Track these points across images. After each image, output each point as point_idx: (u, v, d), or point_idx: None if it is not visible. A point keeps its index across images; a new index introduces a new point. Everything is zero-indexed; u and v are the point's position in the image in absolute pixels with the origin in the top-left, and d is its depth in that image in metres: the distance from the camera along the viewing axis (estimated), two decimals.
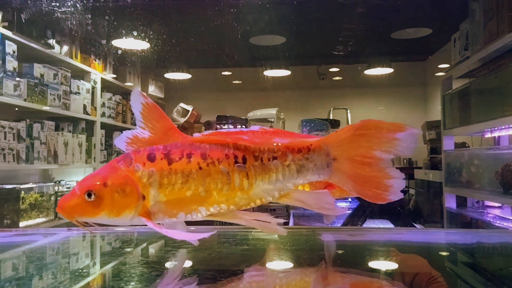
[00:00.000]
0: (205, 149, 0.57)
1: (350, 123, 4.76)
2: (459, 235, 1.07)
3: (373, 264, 0.75)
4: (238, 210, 0.59)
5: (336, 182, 0.60)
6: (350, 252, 0.86)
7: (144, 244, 0.90)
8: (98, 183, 0.55)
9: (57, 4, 2.55)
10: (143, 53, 3.98)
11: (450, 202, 3.04)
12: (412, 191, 3.94)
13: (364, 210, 1.60)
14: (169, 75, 4.81)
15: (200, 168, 0.56)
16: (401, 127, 0.56)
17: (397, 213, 1.85)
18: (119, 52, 3.99)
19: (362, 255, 0.83)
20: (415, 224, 1.97)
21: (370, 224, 1.68)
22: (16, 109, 2.85)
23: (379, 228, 1.46)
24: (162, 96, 5.28)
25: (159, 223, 0.58)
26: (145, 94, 0.61)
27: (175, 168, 0.56)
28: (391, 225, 1.71)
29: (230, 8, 3.02)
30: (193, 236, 0.58)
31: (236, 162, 0.57)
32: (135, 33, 3.49)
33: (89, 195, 0.55)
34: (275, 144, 0.59)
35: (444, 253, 0.90)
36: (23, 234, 1.05)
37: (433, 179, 3.52)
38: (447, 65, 3.85)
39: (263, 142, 0.58)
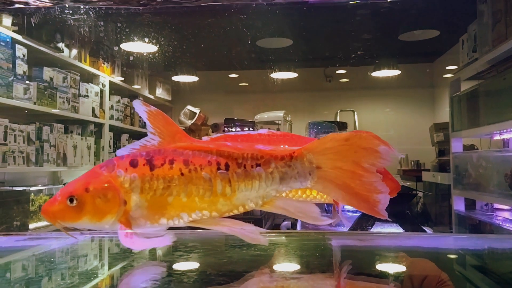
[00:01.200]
0: (187, 155, 0.57)
1: (357, 125, 4.75)
2: (468, 240, 1.06)
3: (381, 267, 0.75)
4: (221, 217, 0.59)
5: (319, 190, 0.60)
6: (360, 256, 0.86)
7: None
8: (80, 188, 0.56)
9: (68, 10, 2.57)
10: (151, 56, 4.00)
11: (458, 205, 3.02)
12: (420, 194, 3.92)
13: None
14: (177, 78, 4.83)
15: (182, 174, 0.56)
16: (386, 145, 0.56)
17: (405, 216, 1.84)
18: (128, 55, 4.02)
19: (372, 259, 0.83)
20: (423, 227, 1.96)
21: (378, 227, 1.68)
22: (26, 112, 2.88)
23: (388, 233, 1.46)
24: (169, 98, 5.30)
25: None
26: (146, 102, 0.61)
27: (157, 174, 0.56)
28: (400, 229, 1.70)
29: (238, 12, 3.03)
30: (155, 243, 0.58)
31: (218, 168, 0.57)
32: (143, 37, 3.51)
33: (71, 200, 0.55)
34: (258, 151, 0.59)
35: (452, 257, 0.90)
36: (36, 238, 1.07)
37: (441, 182, 3.49)
38: (455, 67, 3.82)
39: (246, 149, 0.58)
